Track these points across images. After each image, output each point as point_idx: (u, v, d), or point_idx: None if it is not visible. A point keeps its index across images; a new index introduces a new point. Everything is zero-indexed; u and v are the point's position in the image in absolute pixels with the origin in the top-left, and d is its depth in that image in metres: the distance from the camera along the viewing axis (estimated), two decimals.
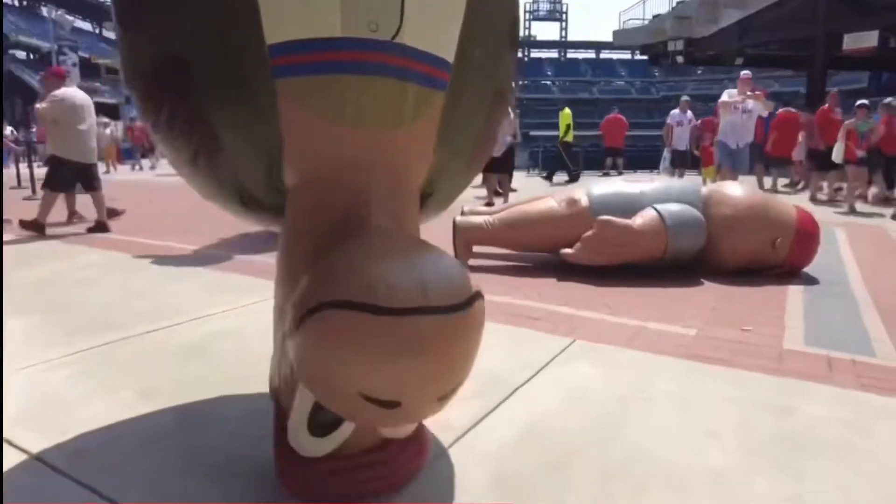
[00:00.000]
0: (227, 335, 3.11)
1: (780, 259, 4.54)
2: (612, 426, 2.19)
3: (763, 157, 10.95)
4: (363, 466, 1.59)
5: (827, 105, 10.23)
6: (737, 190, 4.90)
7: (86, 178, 6.77)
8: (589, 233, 4.49)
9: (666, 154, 11.47)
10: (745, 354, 2.94)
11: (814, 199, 9.81)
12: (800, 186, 11.20)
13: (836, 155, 8.71)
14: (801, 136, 10.48)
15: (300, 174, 1.60)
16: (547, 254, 4.96)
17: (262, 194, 1.72)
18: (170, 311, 3.51)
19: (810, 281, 4.52)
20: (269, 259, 4.88)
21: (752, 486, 1.82)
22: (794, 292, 4.18)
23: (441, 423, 2.12)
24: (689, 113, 11.14)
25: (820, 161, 9.76)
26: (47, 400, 2.32)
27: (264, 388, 2.40)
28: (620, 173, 14.01)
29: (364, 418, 1.44)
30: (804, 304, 3.90)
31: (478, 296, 1.39)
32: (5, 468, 1.84)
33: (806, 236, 4.57)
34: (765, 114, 8.81)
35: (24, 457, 1.90)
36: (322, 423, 1.50)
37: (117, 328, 3.18)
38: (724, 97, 8.17)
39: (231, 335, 3.11)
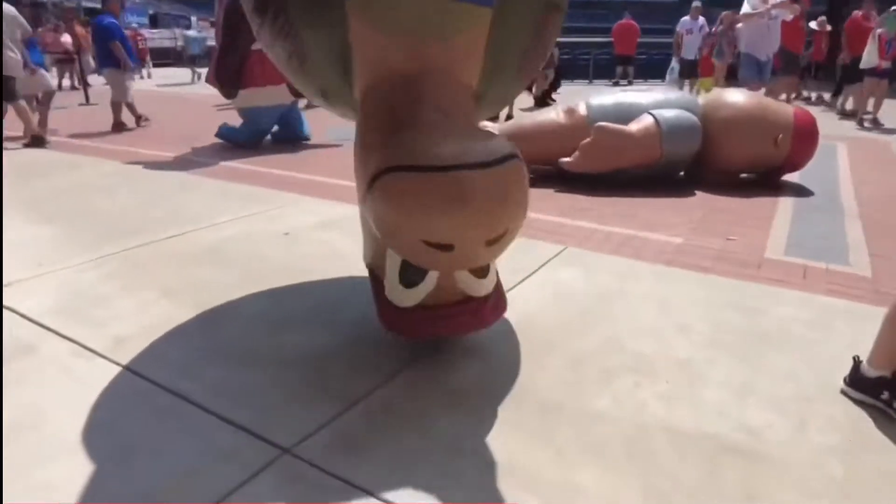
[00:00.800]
0: (238, 240, 3.32)
1: (781, 157, 4.64)
2: (589, 322, 2.41)
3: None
4: (448, 316, 1.91)
5: (861, 12, 9.75)
6: (735, 95, 4.96)
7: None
8: (586, 140, 4.58)
9: (674, 64, 11.14)
10: (727, 262, 3.12)
11: (843, 114, 9.56)
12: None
13: (866, 60, 8.37)
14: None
15: (367, 77, 1.91)
16: (548, 167, 5.08)
17: (340, 92, 2.06)
18: (183, 218, 3.71)
19: (802, 193, 4.64)
20: (270, 169, 5.06)
21: (711, 373, 2.06)
22: (784, 204, 4.31)
23: None
24: (701, 19, 10.71)
25: (850, 73, 9.44)
26: (80, 297, 2.57)
27: (274, 285, 2.65)
28: (630, 83, 13.70)
29: (429, 262, 1.74)
30: (792, 215, 4.04)
31: (511, 156, 1.62)
32: (51, 352, 2.11)
33: (804, 133, 4.65)
34: (789, 18, 8.42)
35: (69, 344, 2.16)
36: (411, 280, 1.83)
37: (137, 234, 3.40)
38: (746, 7, 7.83)
39: (242, 240, 3.33)
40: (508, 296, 2.61)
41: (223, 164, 5.56)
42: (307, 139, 6.89)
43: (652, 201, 4.33)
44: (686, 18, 10.87)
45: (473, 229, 1.61)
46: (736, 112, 4.68)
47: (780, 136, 4.57)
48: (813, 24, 11.23)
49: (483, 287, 1.92)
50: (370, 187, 1.64)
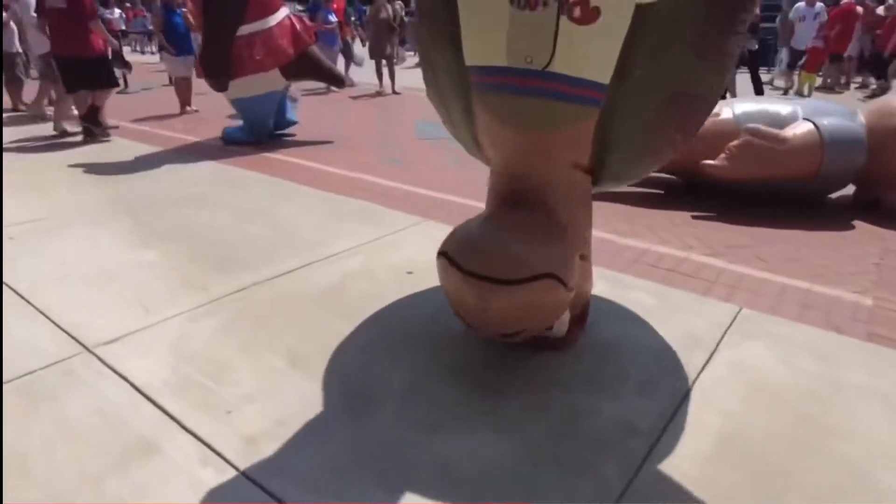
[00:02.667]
0: (358, 278, 2.95)
1: None
2: (812, 436, 1.92)
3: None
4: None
5: None
6: None
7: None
8: (735, 142, 3.99)
9: (783, 55, 10.13)
10: None
11: None
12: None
13: None
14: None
15: (487, 149, 2.33)
16: (673, 176, 4.53)
17: (477, 153, 2.53)
18: (293, 242, 3.38)
19: None
20: (378, 180, 4.65)
21: None
22: None
23: (627, 424, 1.94)
24: (819, 5, 9.66)
25: None
26: (197, 362, 2.23)
27: (410, 351, 2.26)
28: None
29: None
30: None
31: (545, 276, 1.88)
32: (177, 454, 1.78)
33: None
34: None
35: (195, 443, 1.83)
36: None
37: (243, 265, 3.07)
38: None
39: (363, 278, 2.95)
40: (698, 386, 2.18)
41: (292, 159, 5.22)
42: (295, 123, 6.50)
43: (806, 236, 3.72)
44: (801, 4, 9.82)
45: (488, 326, 2.01)
46: None
47: None
48: None
49: (550, 334, 2.25)
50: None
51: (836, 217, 4.06)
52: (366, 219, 3.80)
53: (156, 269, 3.05)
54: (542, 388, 2.12)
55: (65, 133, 6.40)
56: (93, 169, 5.09)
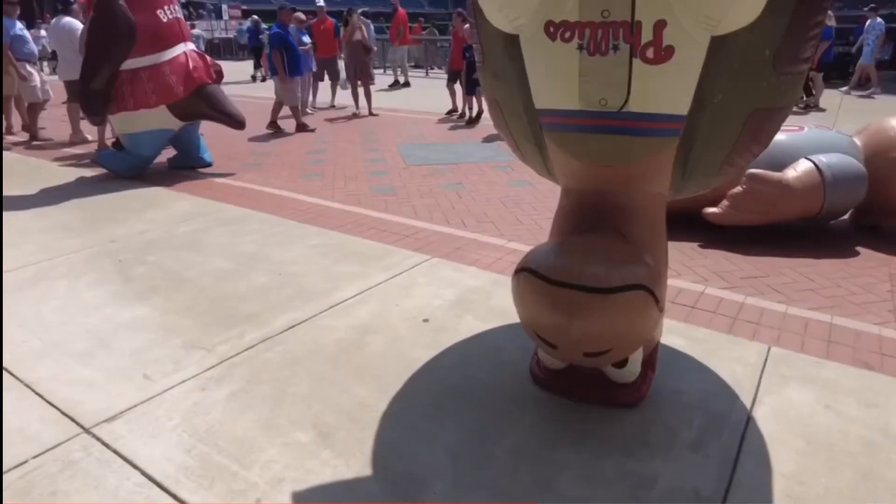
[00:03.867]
0: (374, 330, 2.78)
1: None
2: (881, 492, 1.84)
3: None
4: (582, 385, 2.27)
5: None
6: None
7: None
8: (736, 189, 3.96)
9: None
10: None
11: None
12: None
13: None
14: None
15: (562, 180, 2.32)
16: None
17: (550, 177, 2.46)
18: (297, 291, 3.19)
19: None
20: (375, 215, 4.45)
21: None
22: None
23: (690, 490, 1.82)
24: None
25: None
26: (216, 443, 2.03)
27: (448, 415, 2.03)
28: None
29: (541, 347, 2.04)
30: None
31: (635, 286, 1.78)
32: None
33: None
34: None
35: None
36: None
37: (246, 318, 2.87)
38: None
39: (380, 330, 2.79)
40: (748, 440, 2.08)
41: (282, 192, 5.03)
42: (208, 165, 6.17)
43: (817, 264, 3.70)
44: None
45: (573, 342, 1.86)
46: None
47: None
48: None
49: (622, 376, 2.12)
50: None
51: (839, 241, 4.06)
52: (368, 259, 3.64)
53: (150, 327, 2.82)
54: (595, 454, 1.99)
55: None
56: (61, 210, 4.80)
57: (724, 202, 4.00)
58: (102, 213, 4.65)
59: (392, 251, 3.78)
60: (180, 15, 5.85)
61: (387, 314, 2.94)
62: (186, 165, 6.09)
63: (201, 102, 5.75)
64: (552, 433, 2.10)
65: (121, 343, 2.67)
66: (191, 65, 5.65)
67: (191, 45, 5.88)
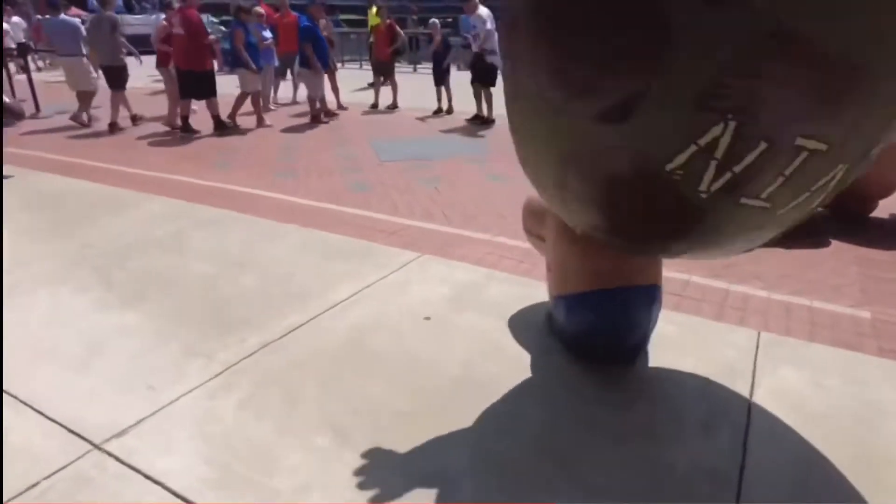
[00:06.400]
0: (375, 329, 2.78)
1: None
2: (878, 459, 1.96)
3: None
4: None
5: None
6: None
7: None
8: None
9: None
10: None
11: None
12: None
13: None
14: None
15: None
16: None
17: None
18: (292, 293, 3.14)
19: None
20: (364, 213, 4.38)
21: None
22: None
23: (709, 470, 1.89)
24: None
25: None
26: (235, 452, 1.99)
27: (458, 410, 2.01)
28: None
29: None
30: None
31: None
32: None
33: None
34: None
35: None
36: None
37: (243, 323, 2.82)
38: None
39: (380, 328, 2.78)
40: (754, 424, 2.18)
41: (256, 191, 4.95)
42: None
43: (787, 252, 3.87)
44: None
45: None
46: None
47: None
48: None
49: None
50: None
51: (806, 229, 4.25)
52: (358, 257, 3.61)
53: (145, 334, 2.74)
54: (612, 441, 2.05)
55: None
56: (33, 212, 4.58)
57: None
58: (68, 215, 4.45)
59: (380, 249, 3.77)
60: None
61: (386, 313, 2.94)
62: None
63: None
64: (567, 423, 2.15)
65: (117, 353, 2.58)
66: None
67: None
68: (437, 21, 9.61)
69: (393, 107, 9.78)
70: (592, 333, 2.39)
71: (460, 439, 2.05)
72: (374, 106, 9.85)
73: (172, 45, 7.73)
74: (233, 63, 8.49)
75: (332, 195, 5.05)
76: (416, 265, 3.52)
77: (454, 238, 3.99)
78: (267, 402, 2.25)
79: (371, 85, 10.51)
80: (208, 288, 3.23)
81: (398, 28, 10.30)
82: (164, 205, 4.70)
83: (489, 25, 7.87)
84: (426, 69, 13.41)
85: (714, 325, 2.87)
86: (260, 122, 8.35)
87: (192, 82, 7.59)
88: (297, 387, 2.34)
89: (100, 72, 8.29)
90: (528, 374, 2.45)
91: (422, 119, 8.96)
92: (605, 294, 2.26)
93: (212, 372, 2.43)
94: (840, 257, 3.80)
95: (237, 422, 2.14)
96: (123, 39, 8.02)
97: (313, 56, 8.25)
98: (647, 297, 2.32)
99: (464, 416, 2.16)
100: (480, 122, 8.24)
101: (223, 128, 7.87)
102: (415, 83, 11.77)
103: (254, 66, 7.94)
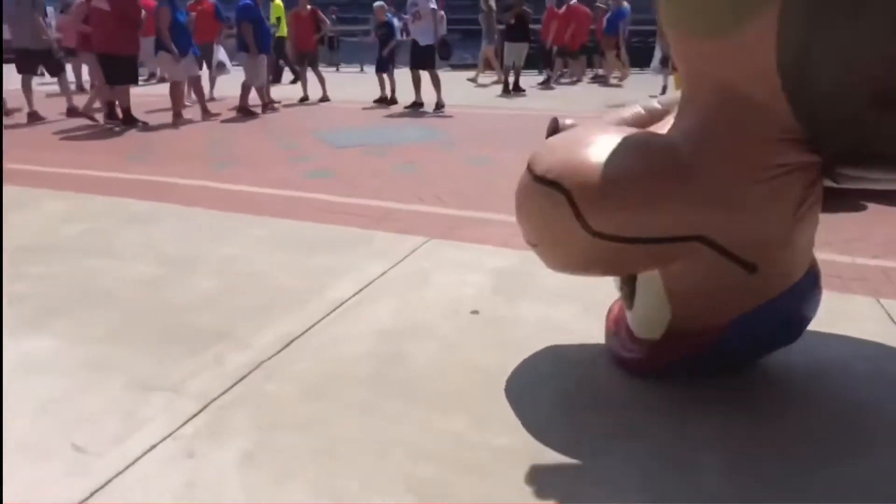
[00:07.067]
0: (409, 333, 2.00)
1: None
2: None
3: None
4: None
5: None
6: None
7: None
8: None
9: (658, 51, 10.51)
10: None
11: None
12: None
13: None
14: None
15: None
16: None
17: None
18: (255, 289, 2.31)
19: None
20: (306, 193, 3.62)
21: None
22: None
23: None
24: None
25: None
26: None
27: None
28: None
29: None
30: None
31: (545, 181, 1.52)
32: None
33: None
34: None
35: None
36: None
37: (218, 336, 1.97)
38: None
39: (415, 332, 2.01)
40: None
41: (193, 182, 4.02)
42: None
43: (827, 218, 3.44)
44: None
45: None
46: None
47: None
48: None
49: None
50: None
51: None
52: (347, 247, 2.81)
53: (65, 365, 1.82)
54: (800, 462, 1.40)
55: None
56: None
57: None
58: None
59: (372, 235, 2.98)
60: None
61: (413, 311, 2.17)
62: None
63: None
64: (713, 434, 1.48)
65: (21, 396, 1.66)
66: None
67: None
68: (382, 2, 8.86)
69: (324, 100, 8.91)
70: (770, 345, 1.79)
71: (618, 478, 1.33)
72: (305, 99, 8.93)
73: (91, 24, 6.51)
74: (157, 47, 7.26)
75: (285, 182, 4.18)
76: (424, 251, 2.77)
77: (460, 220, 3.26)
78: (285, 452, 1.43)
79: (295, 80, 9.60)
80: (150, 295, 2.33)
81: (321, 13, 9.47)
82: (74, 201, 3.66)
83: (432, 4, 7.44)
84: (349, 70, 13.37)
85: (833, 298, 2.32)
86: (205, 113, 7.44)
87: (119, 67, 6.45)
88: (324, 426, 1.53)
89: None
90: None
91: (366, 109, 8.17)
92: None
93: (183, 413, 1.57)
94: (886, 218, 3.41)
95: (248, 491, 1.30)
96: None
97: (252, 38, 7.29)
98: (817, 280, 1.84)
99: (602, 442, 1.45)
100: (419, 108, 7.68)
101: (133, 122, 6.72)
102: (343, 78, 10.92)
103: (175, 51, 6.80)
